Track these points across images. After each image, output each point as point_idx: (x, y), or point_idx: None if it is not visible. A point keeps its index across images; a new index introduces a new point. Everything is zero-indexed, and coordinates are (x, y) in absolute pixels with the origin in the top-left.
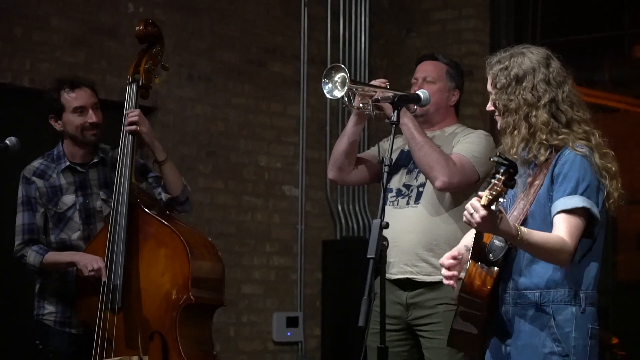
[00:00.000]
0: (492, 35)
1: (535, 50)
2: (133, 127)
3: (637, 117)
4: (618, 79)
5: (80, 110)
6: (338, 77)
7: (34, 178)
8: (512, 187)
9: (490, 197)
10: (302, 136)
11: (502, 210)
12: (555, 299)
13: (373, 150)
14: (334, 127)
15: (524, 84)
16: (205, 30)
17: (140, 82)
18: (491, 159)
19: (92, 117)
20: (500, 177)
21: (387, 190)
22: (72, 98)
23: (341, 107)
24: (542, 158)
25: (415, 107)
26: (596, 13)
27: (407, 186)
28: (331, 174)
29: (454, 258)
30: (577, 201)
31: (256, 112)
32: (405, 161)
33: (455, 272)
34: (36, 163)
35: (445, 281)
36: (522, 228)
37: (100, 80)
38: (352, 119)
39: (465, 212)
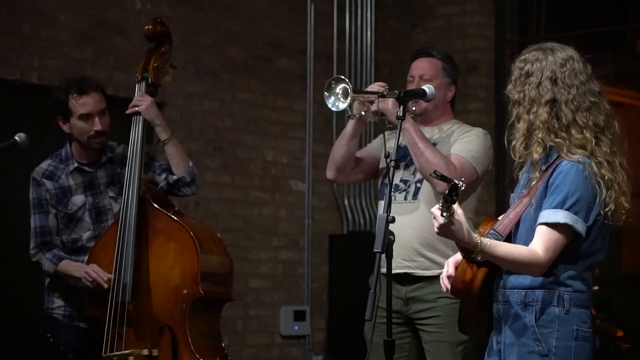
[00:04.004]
0: (497, 30)
1: (560, 50)
2: (131, 110)
3: None
4: (621, 73)
5: (87, 117)
6: (339, 88)
7: (43, 180)
8: (452, 202)
9: (440, 207)
10: (309, 131)
11: (458, 220)
12: (539, 299)
13: (371, 147)
14: (340, 122)
15: (531, 79)
16: (211, 26)
17: (150, 80)
18: (430, 175)
19: (97, 125)
20: (446, 194)
21: (383, 185)
22: (79, 104)
23: None
24: (536, 156)
25: (414, 107)
26: (599, 8)
27: (405, 181)
28: (330, 174)
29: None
30: (559, 216)
31: (262, 107)
32: (403, 157)
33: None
34: (45, 165)
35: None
36: (484, 240)
37: (107, 77)
38: (352, 123)
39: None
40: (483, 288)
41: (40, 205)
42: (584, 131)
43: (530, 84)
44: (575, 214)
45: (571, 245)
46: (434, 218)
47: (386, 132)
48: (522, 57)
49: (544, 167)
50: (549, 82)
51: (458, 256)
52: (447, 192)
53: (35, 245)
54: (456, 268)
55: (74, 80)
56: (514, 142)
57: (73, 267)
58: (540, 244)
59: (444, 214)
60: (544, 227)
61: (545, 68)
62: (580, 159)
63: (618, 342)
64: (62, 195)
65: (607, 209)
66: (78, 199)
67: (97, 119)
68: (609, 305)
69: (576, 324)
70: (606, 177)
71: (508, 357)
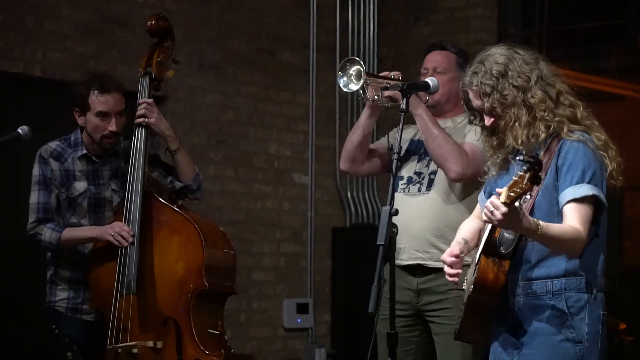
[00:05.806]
0: (500, 23)
1: (497, 47)
2: (141, 120)
3: None
4: (624, 66)
5: (104, 115)
6: (353, 70)
7: (50, 159)
8: (537, 184)
9: (513, 194)
10: (312, 124)
11: (522, 206)
12: (568, 287)
13: (384, 141)
14: (343, 115)
15: (509, 73)
16: (215, 19)
17: (153, 74)
18: (517, 159)
19: (113, 125)
20: (524, 174)
21: (397, 178)
22: (99, 102)
23: (350, 95)
24: (544, 135)
25: (427, 97)
26: (603, 1)
27: (418, 173)
28: (344, 165)
29: (456, 256)
30: (585, 189)
31: (266, 101)
32: (416, 149)
33: (459, 270)
34: (53, 144)
35: (449, 278)
36: (541, 222)
37: (111, 70)
38: (366, 112)
39: (485, 210)
40: (506, 282)
41: (44, 182)
42: (567, 95)
43: (512, 77)
44: (595, 186)
45: (592, 220)
46: (494, 209)
47: (394, 129)
48: (479, 75)
49: (540, 152)
50: (525, 65)
51: (455, 249)
52: (530, 173)
53: (35, 219)
54: (456, 260)
55: (97, 76)
56: (518, 141)
57: (81, 231)
58: (576, 220)
59: (523, 199)
60: (572, 204)
61: (511, 58)
62: (581, 137)
63: (621, 335)
64: (66, 179)
65: (611, 169)
66: (80, 185)
67: (113, 119)
68: (612, 299)
69: (601, 308)
70: (603, 138)
71: (533, 347)
